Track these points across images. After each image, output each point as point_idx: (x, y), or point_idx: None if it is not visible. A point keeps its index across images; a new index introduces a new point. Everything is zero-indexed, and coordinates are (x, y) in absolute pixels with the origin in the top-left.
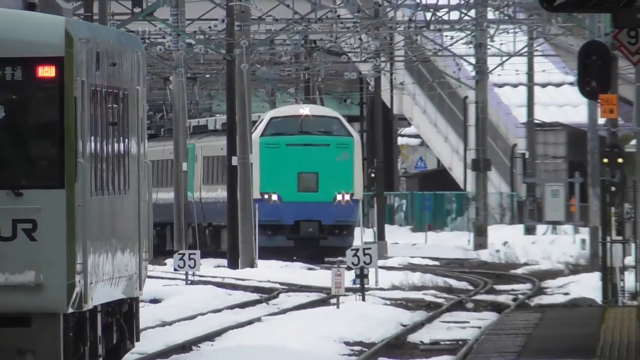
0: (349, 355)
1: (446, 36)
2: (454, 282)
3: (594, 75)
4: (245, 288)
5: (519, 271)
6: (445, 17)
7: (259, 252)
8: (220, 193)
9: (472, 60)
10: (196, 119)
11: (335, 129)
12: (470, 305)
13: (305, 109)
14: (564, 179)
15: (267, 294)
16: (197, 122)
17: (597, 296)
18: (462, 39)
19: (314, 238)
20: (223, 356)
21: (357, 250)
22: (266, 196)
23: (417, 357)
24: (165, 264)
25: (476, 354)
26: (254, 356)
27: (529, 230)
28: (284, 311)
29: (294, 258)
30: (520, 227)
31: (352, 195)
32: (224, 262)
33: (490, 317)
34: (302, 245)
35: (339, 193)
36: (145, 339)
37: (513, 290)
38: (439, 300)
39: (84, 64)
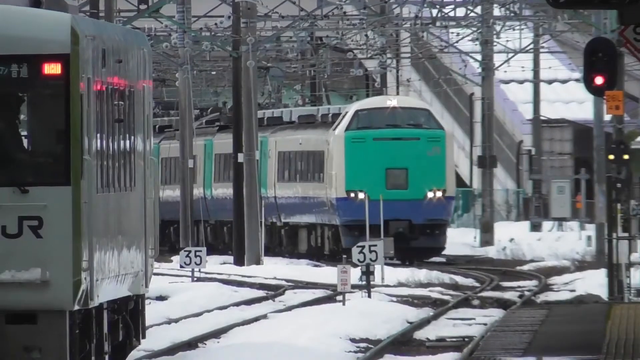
0: (355, 352)
1: (452, 33)
2: (459, 279)
3: (600, 71)
4: (251, 285)
5: (524, 268)
6: (451, 14)
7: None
8: (297, 190)
9: (478, 56)
10: (270, 109)
11: (425, 121)
12: (476, 302)
13: (393, 101)
14: (570, 175)
15: (273, 290)
16: (272, 113)
17: (603, 293)
18: (468, 35)
19: (403, 238)
20: (229, 353)
21: (363, 247)
22: (352, 194)
23: (423, 353)
24: (171, 261)
25: (482, 350)
26: (259, 353)
27: (535, 227)
28: (289, 308)
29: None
30: (526, 224)
31: (444, 192)
32: (230, 259)
33: (496, 313)
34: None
35: (430, 190)
36: (151, 336)
37: (519, 287)
38: (445, 297)
39: (90, 61)
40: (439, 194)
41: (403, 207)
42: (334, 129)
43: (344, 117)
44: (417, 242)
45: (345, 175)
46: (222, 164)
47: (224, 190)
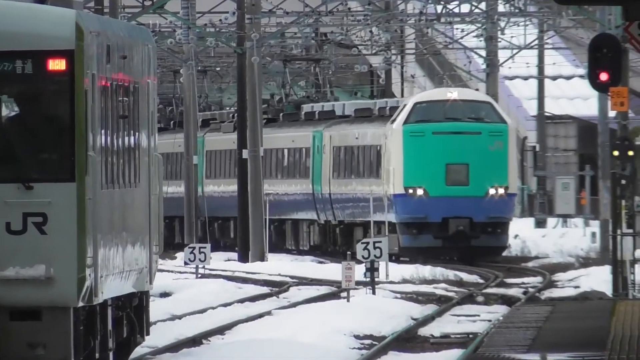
0: (360, 348)
1: (457, 29)
2: (464, 276)
3: (604, 68)
4: (255, 281)
5: (529, 264)
6: (456, 10)
7: (403, 253)
8: (353, 187)
9: (483, 53)
10: (320, 102)
11: (487, 114)
12: (480, 298)
13: (453, 93)
14: (575, 171)
15: (278, 287)
16: (322, 106)
17: (607, 289)
18: (472, 31)
19: (464, 237)
20: (233, 350)
21: (368, 243)
22: (410, 191)
23: (427, 350)
24: (175, 258)
25: (486, 347)
26: (264, 349)
27: (540, 224)
28: (294, 305)
29: (443, 257)
30: (531, 220)
31: (506, 188)
32: (234, 255)
33: (500, 310)
34: (450, 245)
35: (492, 187)
36: (155, 333)
37: (523, 283)
38: (450, 294)
39: (95, 57)
40: (501, 190)
41: (464, 204)
42: (392, 123)
43: (401, 110)
44: (477, 240)
45: (404, 170)
46: (274, 160)
47: (285, 187)
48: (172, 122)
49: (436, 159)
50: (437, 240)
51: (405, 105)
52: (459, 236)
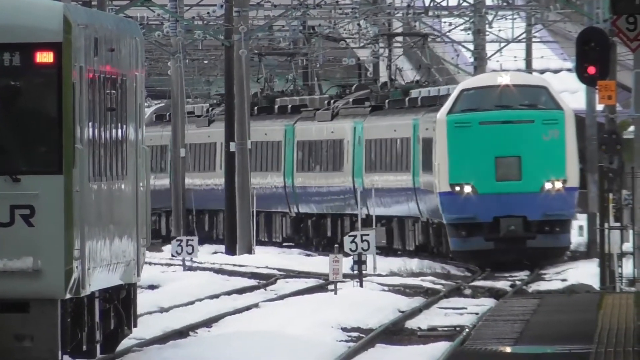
0: (347, 341)
1: (444, 22)
2: (452, 269)
3: (592, 61)
4: (242, 274)
5: None
6: (444, 3)
7: (454, 256)
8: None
9: (471, 46)
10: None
11: (542, 100)
12: (468, 291)
13: (505, 77)
14: None
15: (265, 280)
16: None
17: (595, 282)
18: (460, 25)
19: (518, 238)
20: (220, 342)
21: (355, 236)
22: (457, 188)
23: (414, 343)
24: (162, 251)
25: (474, 340)
26: (251, 342)
27: None
28: (281, 297)
29: (497, 261)
30: None
31: (564, 182)
32: (221, 248)
33: (488, 303)
34: (503, 247)
35: (548, 181)
36: (142, 325)
37: (511, 276)
38: (437, 287)
39: (82, 50)
40: (558, 184)
41: (516, 202)
42: (436, 112)
43: (447, 98)
44: (534, 241)
45: (449, 165)
46: (375, 151)
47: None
48: (255, 107)
49: (485, 151)
50: (489, 242)
51: (452, 93)
52: (513, 237)
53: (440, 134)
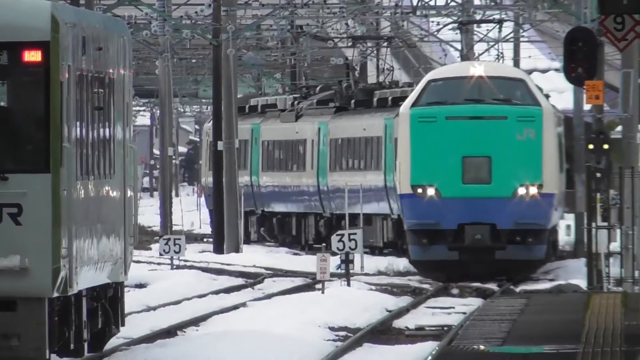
0: (334, 340)
1: (432, 22)
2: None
3: (580, 61)
4: (230, 273)
5: None
6: (432, 3)
7: (414, 266)
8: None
9: (458, 46)
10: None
11: (518, 95)
12: (455, 291)
13: (478, 68)
14: None
15: (252, 279)
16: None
17: (582, 282)
18: (448, 24)
19: (485, 248)
20: (208, 341)
21: (343, 235)
22: (419, 190)
23: (402, 342)
24: (150, 249)
25: (461, 339)
26: (239, 341)
27: None
28: (269, 296)
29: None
30: None
31: (540, 187)
32: (209, 247)
33: (475, 302)
34: (469, 257)
35: (522, 185)
36: (130, 324)
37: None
38: (424, 286)
39: (70, 49)
40: (533, 190)
41: (485, 207)
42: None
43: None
44: (503, 253)
45: (411, 165)
46: (340, 150)
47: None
48: (352, 100)
49: (451, 150)
50: (453, 252)
51: (418, 85)
52: (479, 247)
53: (403, 130)
